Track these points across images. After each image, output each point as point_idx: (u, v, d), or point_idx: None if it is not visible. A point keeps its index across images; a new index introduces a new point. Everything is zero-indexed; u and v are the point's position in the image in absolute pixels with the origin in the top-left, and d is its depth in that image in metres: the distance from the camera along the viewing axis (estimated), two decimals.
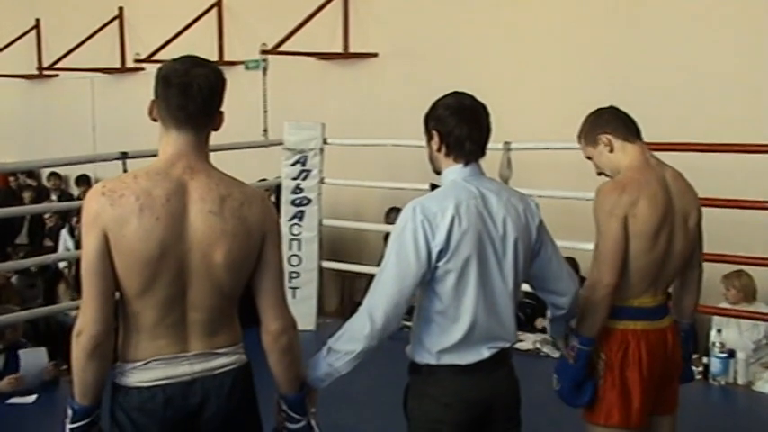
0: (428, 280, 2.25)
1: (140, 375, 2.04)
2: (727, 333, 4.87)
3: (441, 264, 2.22)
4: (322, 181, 5.81)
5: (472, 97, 2.36)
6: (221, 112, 2.11)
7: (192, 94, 2.01)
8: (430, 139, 2.36)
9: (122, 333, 2.08)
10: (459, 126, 2.29)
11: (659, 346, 2.68)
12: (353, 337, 2.25)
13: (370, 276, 7.02)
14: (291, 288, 5.60)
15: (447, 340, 2.28)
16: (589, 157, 2.78)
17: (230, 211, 2.03)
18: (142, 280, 1.98)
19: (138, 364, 2.04)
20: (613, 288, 2.59)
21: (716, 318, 5.05)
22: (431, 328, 2.30)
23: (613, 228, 2.58)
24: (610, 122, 2.70)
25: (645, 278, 2.65)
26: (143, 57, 8.31)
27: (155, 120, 2.10)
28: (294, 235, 5.77)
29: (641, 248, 2.61)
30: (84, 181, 9.20)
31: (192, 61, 2.07)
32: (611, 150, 2.69)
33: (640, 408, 2.64)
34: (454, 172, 2.32)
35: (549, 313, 2.61)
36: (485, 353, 2.31)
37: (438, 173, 2.38)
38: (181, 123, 2.04)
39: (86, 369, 2.00)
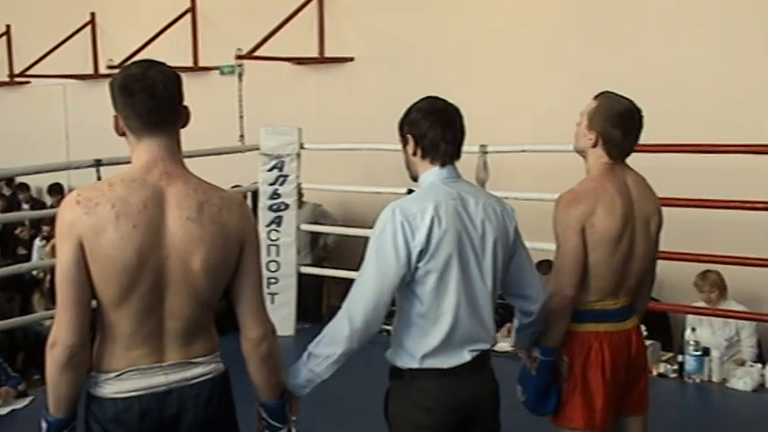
0: (408, 282, 2.26)
1: (116, 386, 2.01)
2: (701, 331, 4.92)
3: (421, 264, 2.24)
4: (299, 186, 5.81)
5: (445, 100, 2.39)
6: (186, 108, 2.07)
7: (158, 95, 1.97)
8: (405, 143, 2.38)
9: (98, 343, 2.05)
10: (434, 128, 2.31)
11: (623, 348, 2.69)
12: (333, 340, 2.25)
13: (350, 281, 6.89)
14: (270, 294, 5.60)
15: (429, 343, 2.29)
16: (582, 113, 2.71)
17: (208, 218, 2.01)
18: (119, 289, 1.95)
19: (113, 374, 2.01)
20: (573, 300, 2.60)
21: (690, 316, 5.10)
22: (412, 331, 2.31)
23: (571, 240, 2.58)
24: (613, 134, 2.61)
25: (607, 283, 2.66)
26: (116, 63, 8.23)
27: (122, 134, 2.05)
28: (272, 240, 5.76)
29: (602, 256, 2.61)
30: (56, 190, 9.07)
31: (144, 64, 2.03)
32: (594, 146, 2.65)
33: (603, 410, 2.64)
34: (432, 174, 2.34)
35: (516, 322, 2.61)
36: (466, 356, 2.32)
37: (415, 179, 2.40)
38: (153, 128, 2.00)
39: (60, 381, 1.97)
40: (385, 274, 2.22)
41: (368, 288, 2.23)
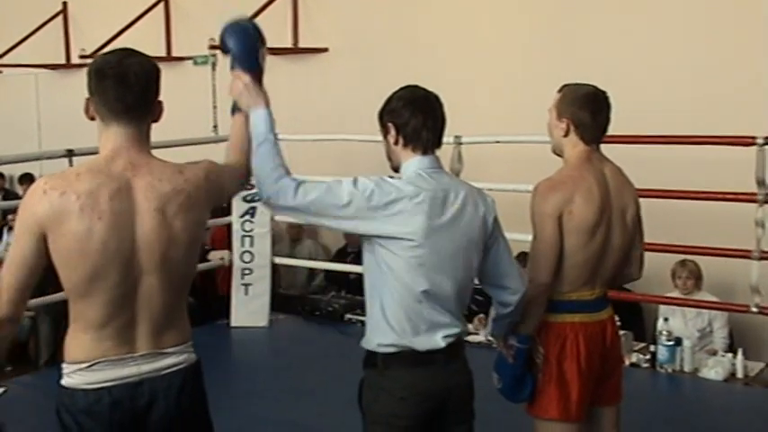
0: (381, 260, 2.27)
1: (86, 377, 2.00)
2: (674, 322, 4.97)
3: (390, 242, 2.24)
4: None
5: (425, 89, 2.38)
6: (160, 102, 2.08)
7: (129, 84, 1.98)
8: (386, 133, 2.37)
9: (69, 333, 2.05)
10: (415, 116, 2.31)
11: (597, 339, 2.71)
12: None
13: (325, 272, 6.88)
14: (243, 285, 5.56)
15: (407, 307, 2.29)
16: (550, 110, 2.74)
17: (177, 206, 2.02)
18: (84, 279, 1.95)
19: (84, 365, 2.00)
20: (548, 287, 2.62)
21: (662, 307, 5.15)
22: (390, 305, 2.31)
23: (547, 228, 2.60)
24: (582, 116, 2.65)
25: (582, 273, 2.67)
26: (88, 53, 8.15)
27: (92, 118, 2.05)
28: (246, 231, 5.74)
29: (578, 244, 2.62)
30: (27, 179, 8.97)
31: (123, 52, 2.04)
32: (565, 135, 2.68)
33: (578, 400, 2.66)
34: (414, 163, 2.33)
35: (492, 312, 2.62)
36: (440, 341, 2.32)
37: (396, 169, 2.39)
38: (120, 116, 2.00)
39: None
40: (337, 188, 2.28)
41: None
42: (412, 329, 2.30)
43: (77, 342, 2.02)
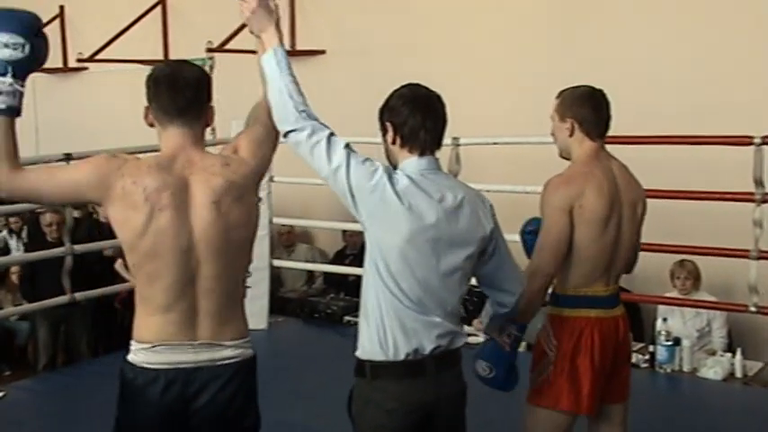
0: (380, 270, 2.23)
1: (148, 357, 2.15)
2: (672, 322, 4.97)
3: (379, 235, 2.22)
4: (272, 179, 5.79)
5: (426, 87, 2.33)
6: (211, 107, 2.27)
7: (179, 88, 2.19)
8: (385, 132, 2.32)
9: (138, 315, 2.21)
10: (414, 115, 2.26)
11: (611, 335, 2.74)
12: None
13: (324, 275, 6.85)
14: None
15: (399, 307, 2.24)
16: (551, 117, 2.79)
17: (230, 198, 2.18)
18: (145, 265, 2.14)
19: (148, 346, 2.16)
20: (551, 278, 2.65)
21: (661, 307, 5.15)
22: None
23: (557, 219, 2.62)
24: (584, 113, 2.70)
25: (597, 266, 2.70)
26: (86, 56, 8.17)
27: (151, 125, 2.25)
28: None
29: (590, 236, 2.65)
30: None
31: (176, 62, 2.33)
32: (571, 135, 2.72)
33: (590, 394, 2.68)
34: (410, 164, 2.28)
35: (489, 310, 2.59)
36: (428, 348, 2.25)
37: (395, 168, 2.33)
38: (174, 118, 2.20)
39: None
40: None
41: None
42: (400, 336, 2.23)
43: (145, 324, 2.18)
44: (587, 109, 2.70)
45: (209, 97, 2.27)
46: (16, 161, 2.16)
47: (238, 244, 2.22)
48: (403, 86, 2.34)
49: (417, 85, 2.34)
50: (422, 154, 2.29)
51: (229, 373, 2.19)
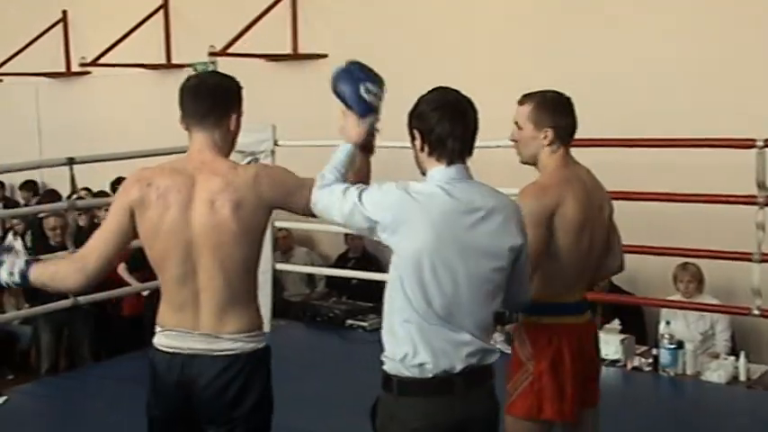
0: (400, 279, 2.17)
1: (161, 340, 2.41)
2: (676, 325, 4.96)
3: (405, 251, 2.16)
4: None
5: (457, 92, 2.26)
6: (237, 116, 2.44)
7: (201, 96, 2.39)
8: (413, 138, 2.25)
9: (161, 300, 2.44)
10: (441, 123, 2.19)
11: (585, 340, 2.75)
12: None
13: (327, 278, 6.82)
14: None
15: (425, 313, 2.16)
16: (517, 123, 2.74)
17: (224, 198, 2.30)
18: (158, 258, 2.36)
19: (163, 330, 2.41)
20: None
21: (664, 310, 5.14)
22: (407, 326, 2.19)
23: (533, 231, 2.49)
24: (561, 121, 2.67)
25: (576, 273, 2.69)
26: (89, 60, 8.18)
27: (187, 129, 2.43)
28: None
29: (571, 243, 2.63)
30: (29, 186, 8.99)
31: (208, 73, 2.63)
32: (550, 143, 2.68)
33: (572, 401, 2.66)
34: (438, 173, 2.21)
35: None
36: (457, 365, 2.18)
37: (425, 174, 2.28)
38: (195, 124, 2.39)
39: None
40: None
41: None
42: (427, 356, 2.16)
43: (162, 310, 2.42)
44: (567, 118, 2.67)
45: (232, 107, 2.43)
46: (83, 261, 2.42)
47: (233, 242, 2.32)
48: (431, 91, 2.27)
49: (447, 88, 2.27)
50: (450, 162, 2.22)
51: (224, 364, 2.33)
